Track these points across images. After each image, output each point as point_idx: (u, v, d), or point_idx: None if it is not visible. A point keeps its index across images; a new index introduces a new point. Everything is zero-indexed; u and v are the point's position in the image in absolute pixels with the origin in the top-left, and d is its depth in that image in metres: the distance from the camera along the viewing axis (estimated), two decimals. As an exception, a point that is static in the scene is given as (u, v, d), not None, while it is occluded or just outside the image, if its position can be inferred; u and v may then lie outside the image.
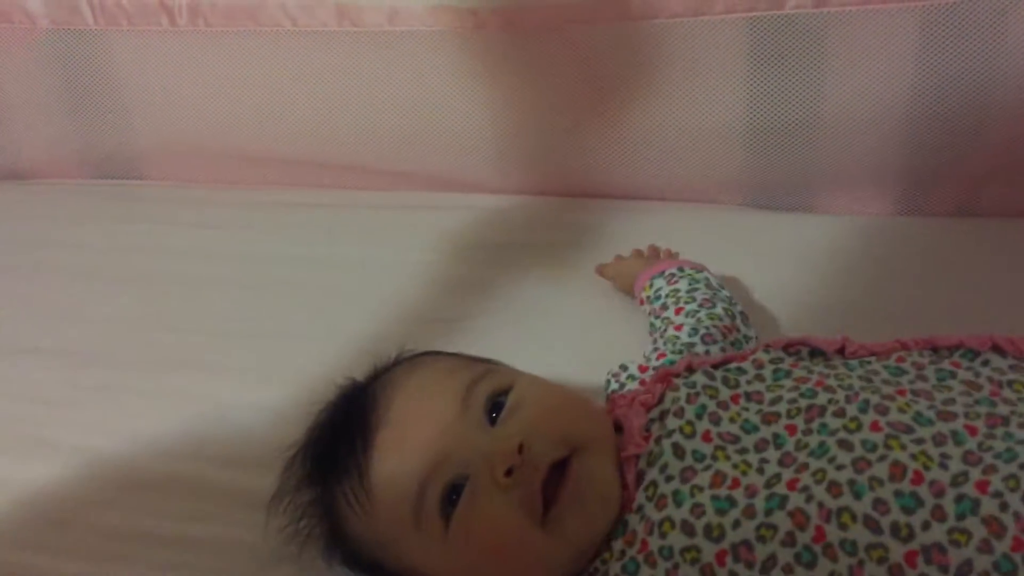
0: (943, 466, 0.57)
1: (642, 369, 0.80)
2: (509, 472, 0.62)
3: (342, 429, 0.69)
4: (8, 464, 0.87)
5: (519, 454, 0.62)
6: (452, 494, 0.63)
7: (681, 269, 0.93)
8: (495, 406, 0.67)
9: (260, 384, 0.92)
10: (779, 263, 1.00)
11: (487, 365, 0.72)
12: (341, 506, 0.67)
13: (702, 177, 1.13)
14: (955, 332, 0.69)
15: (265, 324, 1.03)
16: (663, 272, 0.93)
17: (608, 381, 0.81)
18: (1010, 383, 0.64)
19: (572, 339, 0.96)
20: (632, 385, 0.78)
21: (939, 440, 0.59)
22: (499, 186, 1.20)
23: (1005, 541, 0.53)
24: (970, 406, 0.61)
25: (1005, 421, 0.60)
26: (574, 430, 0.66)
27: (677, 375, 0.71)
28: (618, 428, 0.71)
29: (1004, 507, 0.54)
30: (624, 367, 0.81)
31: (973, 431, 0.59)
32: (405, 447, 0.65)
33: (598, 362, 0.83)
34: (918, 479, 0.57)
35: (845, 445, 0.60)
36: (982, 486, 0.55)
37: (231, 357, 0.98)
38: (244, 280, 1.10)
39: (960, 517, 0.55)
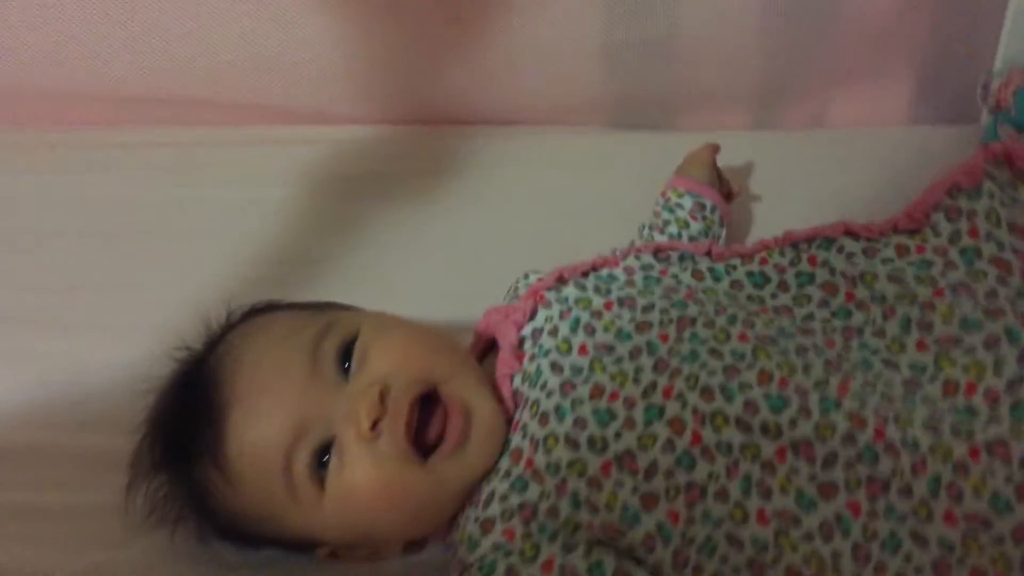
0: (806, 372, 0.61)
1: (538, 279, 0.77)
2: (375, 424, 0.61)
3: (188, 413, 0.66)
4: None
5: (381, 403, 0.62)
6: (321, 457, 0.63)
7: (713, 210, 0.90)
8: (345, 356, 0.65)
9: (114, 340, 0.88)
10: (641, 183, 1.00)
11: (327, 315, 0.69)
12: (204, 490, 0.65)
13: (563, 97, 1.12)
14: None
15: (115, 275, 0.97)
16: (700, 197, 0.90)
17: (513, 287, 0.79)
18: (862, 276, 0.68)
19: (442, 272, 0.94)
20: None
21: (800, 351, 0.63)
22: (355, 116, 1.16)
23: (867, 432, 0.58)
24: (827, 320, 0.65)
25: (859, 332, 0.64)
26: (430, 366, 0.66)
27: (549, 288, 0.71)
28: (493, 344, 0.72)
29: (863, 405, 0.59)
30: (536, 272, 0.78)
31: (831, 344, 0.63)
32: (261, 423, 0.63)
33: (470, 294, 0.82)
34: (784, 383, 0.60)
35: (715, 354, 0.63)
36: (843, 389, 0.60)
37: (80, 313, 0.93)
38: (89, 229, 1.03)
39: (825, 413, 0.59)
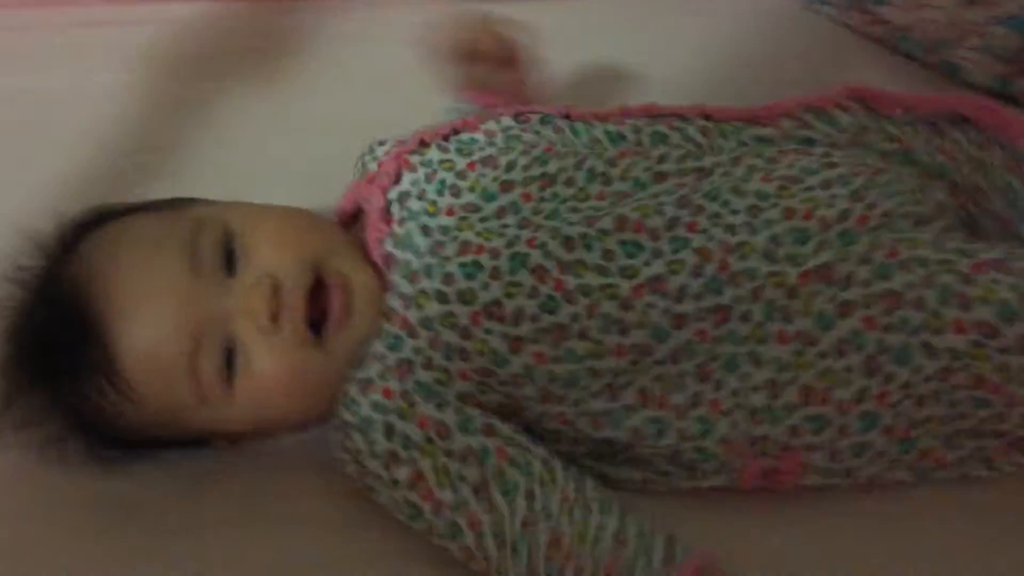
0: (660, 213, 0.65)
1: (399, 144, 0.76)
2: (274, 317, 0.63)
3: (59, 334, 0.64)
4: None
5: (275, 296, 0.63)
6: (227, 358, 0.64)
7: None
8: (223, 251, 0.66)
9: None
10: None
11: (189, 212, 0.69)
12: (91, 406, 0.64)
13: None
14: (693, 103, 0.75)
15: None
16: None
17: (360, 160, 0.78)
18: (713, 144, 0.72)
19: (297, 154, 0.91)
20: (374, 166, 0.76)
21: (655, 195, 0.67)
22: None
23: (713, 264, 0.63)
24: (682, 161, 0.69)
25: (709, 173, 0.69)
26: (310, 247, 0.67)
27: (412, 152, 0.73)
28: (359, 212, 0.73)
29: (710, 239, 0.64)
30: (381, 143, 0.77)
31: (681, 185, 0.68)
32: (154, 331, 0.63)
33: (326, 175, 0.78)
34: (639, 228, 0.65)
35: (576, 211, 0.67)
36: (692, 227, 0.65)
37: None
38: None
39: (675, 251, 0.64)
